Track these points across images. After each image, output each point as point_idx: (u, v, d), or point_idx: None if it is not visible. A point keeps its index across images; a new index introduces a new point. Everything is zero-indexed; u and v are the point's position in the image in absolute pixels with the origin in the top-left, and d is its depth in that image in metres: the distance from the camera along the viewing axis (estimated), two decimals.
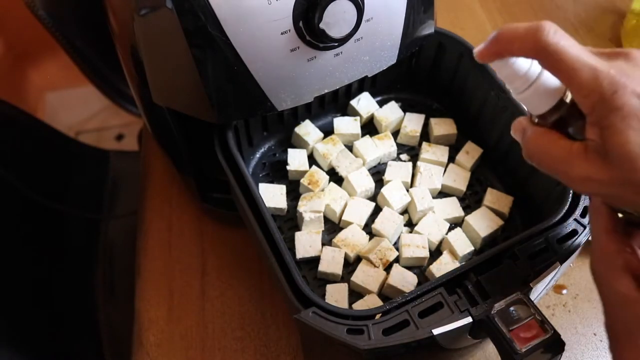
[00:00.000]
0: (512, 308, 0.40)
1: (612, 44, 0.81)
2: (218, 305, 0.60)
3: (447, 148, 0.62)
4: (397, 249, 0.55)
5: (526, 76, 0.34)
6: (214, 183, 0.60)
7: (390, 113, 0.64)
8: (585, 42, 0.82)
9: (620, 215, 0.36)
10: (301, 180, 0.59)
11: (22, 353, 0.69)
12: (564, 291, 0.60)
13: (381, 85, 0.66)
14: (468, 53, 0.58)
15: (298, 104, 0.51)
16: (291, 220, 0.59)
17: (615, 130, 0.30)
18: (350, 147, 0.62)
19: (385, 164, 0.61)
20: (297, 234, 0.56)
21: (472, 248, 0.55)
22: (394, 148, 0.62)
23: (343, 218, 0.57)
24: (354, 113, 0.64)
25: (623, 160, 0.30)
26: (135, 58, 0.51)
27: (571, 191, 0.47)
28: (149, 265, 0.64)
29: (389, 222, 0.56)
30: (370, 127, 0.64)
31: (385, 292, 0.53)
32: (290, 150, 0.61)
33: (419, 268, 0.55)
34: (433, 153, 0.61)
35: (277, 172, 0.62)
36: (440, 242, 0.56)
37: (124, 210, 0.95)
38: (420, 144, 0.63)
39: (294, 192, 0.60)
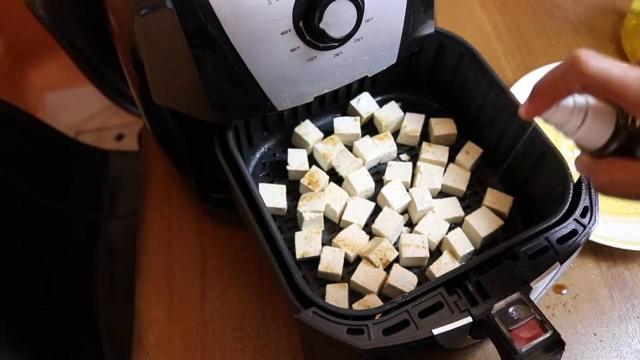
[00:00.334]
0: (512, 308, 0.40)
1: (612, 44, 0.81)
2: (218, 305, 0.60)
3: (447, 148, 0.62)
4: (397, 249, 0.55)
5: (576, 114, 0.34)
6: (214, 183, 0.60)
7: (390, 113, 0.64)
8: (585, 42, 0.82)
9: None
10: (301, 180, 0.59)
11: (22, 353, 0.69)
12: (564, 291, 0.60)
13: (381, 85, 0.66)
14: (468, 53, 0.58)
15: (298, 104, 0.51)
16: (291, 220, 0.59)
17: None
18: (350, 147, 0.62)
19: (385, 164, 0.61)
20: (297, 234, 0.56)
21: (472, 248, 0.55)
22: (394, 148, 0.62)
23: (343, 218, 0.57)
24: (354, 113, 0.64)
25: None
26: (135, 58, 0.51)
27: (571, 191, 0.48)
28: (149, 265, 0.64)
29: (389, 222, 0.56)
30: (370, 127, 0.64)
31: (385, 292, 0.53)
32: (290, 150, 0.61)
33: (419, 268, 0.55)
34: (433, 153, 0.61)
35: (277, 172, 0.62)
36: (440, 242, 0.56)
37: (124, 210, 0.95)
38: (420, 144, 0.63)
39: (294, 192, 0.60)
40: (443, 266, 0.53)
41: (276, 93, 0.49)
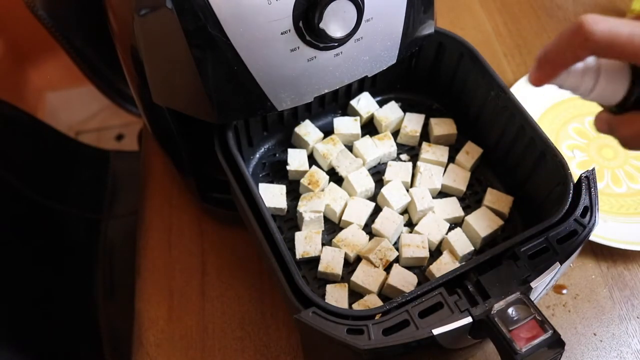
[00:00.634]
0: (512, 308, 0.40)
1: None
2: (218, 305, 0.60)
3: (447, 148, 0.62)
4: (397, 249, 0.55)
5: (587, 76, 0.34)
6: (214, 183, 0.60)
7: (390, 113, 0.64)
8: None
9: None
10: (301, 180, 0.59)
11: (22, 353, 0.70)
12: (564, 291, 0.60)
13: (381, 85, 0.66)
14: (468, 53, 0.58)
15: (298, 104, 0.51)
16: (291, 220, 0.59)
17: None
18: (350, 147, 0.62)
19: (385, 164, 0.61)
20: (297, 234, 0.56)
21: (472, 248, 0.55)
22: (394, 148, 0.62)
23: (343, 218, 0.57)
24: (354, 113, 0.64)
25: None
26: (135, 58, 0.51)
27: (571, 191, 0.48)
28: (149, 265, 0.64)
29: (389, 222, 0.56)
30: (370, 127, 0.64)
31: (385, 292, 0.53)
32: (290, 150, 0.61)
33: (419, 268, 0.55)
34: (433, 153, 0.61)
35: (277, 172, 0.62)
36: (440, 242, 0.56)
37: (124, 210, 0.95)
38: (420, 144, 0.63)
39: (294, 192, 0.60)
40: (443, 266, 0.53)
41: (276, 93, 0.49)
